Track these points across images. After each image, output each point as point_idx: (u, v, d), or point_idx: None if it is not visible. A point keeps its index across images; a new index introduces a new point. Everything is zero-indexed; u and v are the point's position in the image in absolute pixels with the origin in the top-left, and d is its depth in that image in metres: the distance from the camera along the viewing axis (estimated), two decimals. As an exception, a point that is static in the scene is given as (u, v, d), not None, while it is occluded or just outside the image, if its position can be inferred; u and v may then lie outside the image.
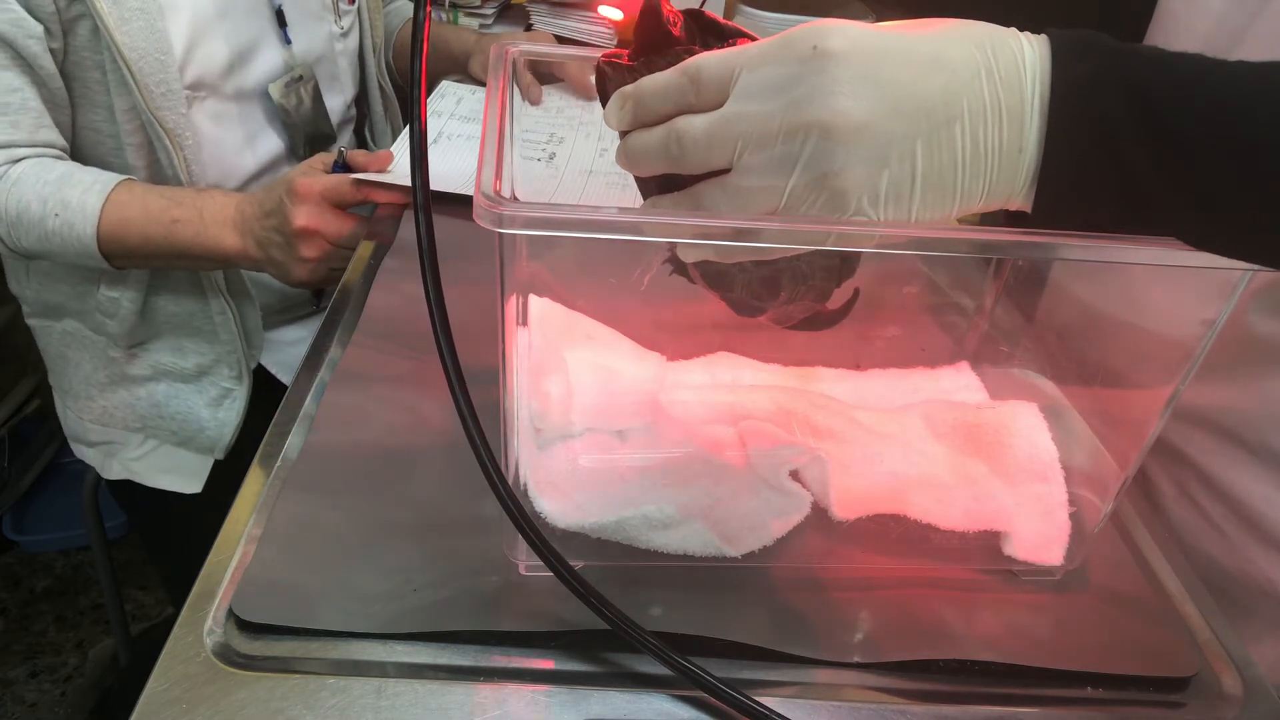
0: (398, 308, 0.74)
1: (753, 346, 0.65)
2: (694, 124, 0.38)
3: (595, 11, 1.28)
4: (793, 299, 0.47)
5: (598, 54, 0.46)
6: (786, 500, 0.56)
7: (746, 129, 0.37)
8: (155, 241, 0.85)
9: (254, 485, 0.57)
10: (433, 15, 1.35)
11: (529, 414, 0.55)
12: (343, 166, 0.94)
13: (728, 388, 0.63)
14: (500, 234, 0.38)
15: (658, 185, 0.42)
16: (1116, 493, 0.54)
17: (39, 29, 0.79)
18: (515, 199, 0.39)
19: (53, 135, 0.85)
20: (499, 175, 0.40)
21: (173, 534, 1.11)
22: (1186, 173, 0.35)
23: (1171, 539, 0.61)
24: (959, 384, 0.68)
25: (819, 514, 0.56)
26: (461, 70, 1.24)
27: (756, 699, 0.44)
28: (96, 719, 1.46)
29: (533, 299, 0.57)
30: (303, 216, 0.86)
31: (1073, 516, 0.57)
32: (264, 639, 0.48)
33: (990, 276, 0.71)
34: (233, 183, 0.98)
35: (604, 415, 0.58)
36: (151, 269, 0.93)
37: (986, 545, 0.56)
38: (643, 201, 0.44)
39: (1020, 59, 0.36)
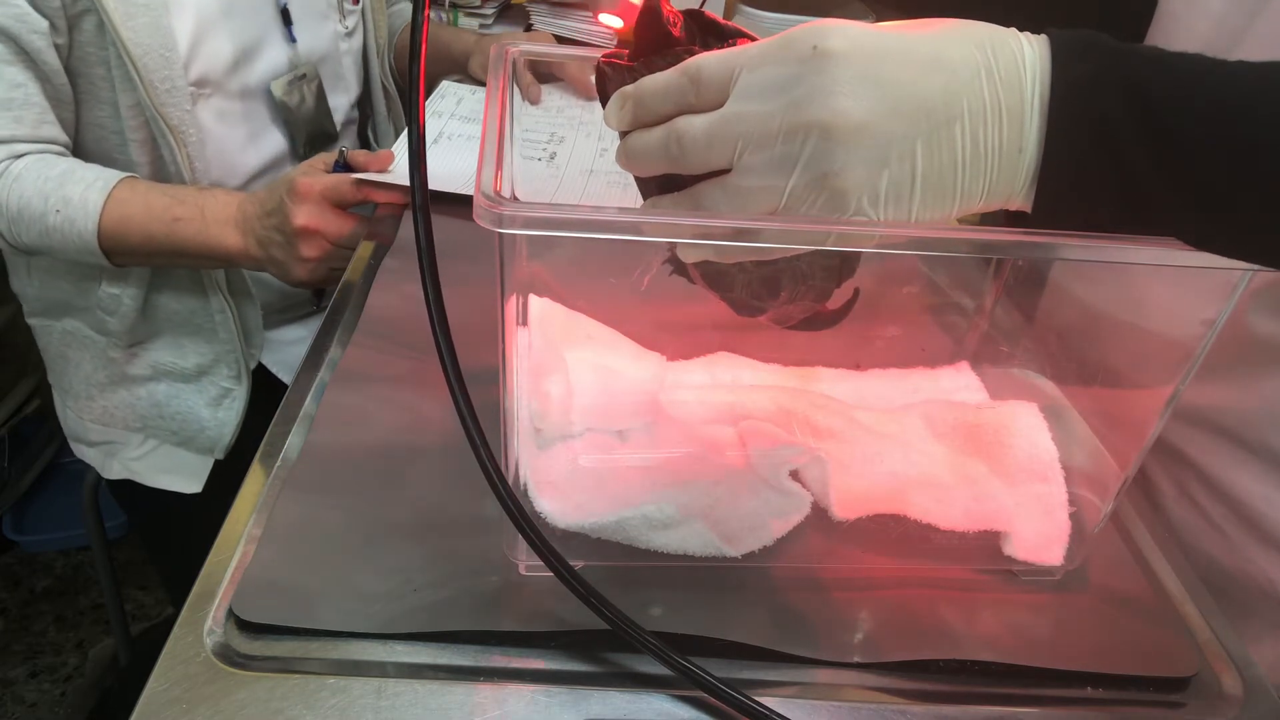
0: (398, 308, 0.74)
1: (753, 346, 0.65)
2: (694, 124, 0.38)
3: (595, 14, 1.28)
4: (793, 299, 0.47)
5: (598, 54, 0.46)
6: (786, 500, 0.56)
7: (746, 129, 0.37)
8: (156, 239, 0.85)
9: (254, 485, 0.57)
10: (433, 16, 1.36)
11: (529, 414, 0.55)
12: (344, 166, 0.94)
13: (728, 388, 0.63)
14: (500, 234, 0.38)
15: (658, 185, 0.42)
16: (1116, 493, 0.54)
17: (44, 24, 0.79)
18: (515, 199, 0.39)
19: (55, 131, 0.85)
20: (499, 175, 0.40)
21: (173, 534, 1.11)
22: (1186, 173, 0.35)
23: (1171, 539, 0.61)
24: (959, 384, 0.68)
25: (819, 514, 0.56)
26: (461, 71, 1.24)
27: (756, 699, 0.44)
28: (96, 719, 1.46)
29: (533, 299, 0.57)
30: (303, 216, 0.86)
31: (1073, 516, 0.57)
32: (264, 639, 0.48)
33: (990, 276, 0.71)
34: (235, 180, 0.98)
35: (604, 415, 0.58)
36: (152, 267, 0.93)
37: (986, 545, 0.56)
38: (643, 202, 0.44)
39: (1020, 59, 0.36)
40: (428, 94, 1.16)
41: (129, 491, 1.06)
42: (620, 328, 0.63)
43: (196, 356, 0.99)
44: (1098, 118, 0.35)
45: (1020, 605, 0.54)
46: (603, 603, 0.45)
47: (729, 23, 0.43)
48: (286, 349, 1.09)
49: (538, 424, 0.56)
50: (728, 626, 0.50)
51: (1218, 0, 0.58)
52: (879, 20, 0.42)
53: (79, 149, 0.90)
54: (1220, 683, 0.51)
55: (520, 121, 1.08)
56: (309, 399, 0.64)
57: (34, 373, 1.74)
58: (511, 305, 0.44)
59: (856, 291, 0.48)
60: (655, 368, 0.63)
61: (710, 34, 0.43)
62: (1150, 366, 0.53)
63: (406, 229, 0.87)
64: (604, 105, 0.43)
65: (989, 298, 0.71)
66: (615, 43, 1.28)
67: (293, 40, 0.99)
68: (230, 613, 0.48)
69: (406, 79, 1.24)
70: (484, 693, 0.46)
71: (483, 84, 1.20)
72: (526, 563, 0.52)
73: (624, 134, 0.42)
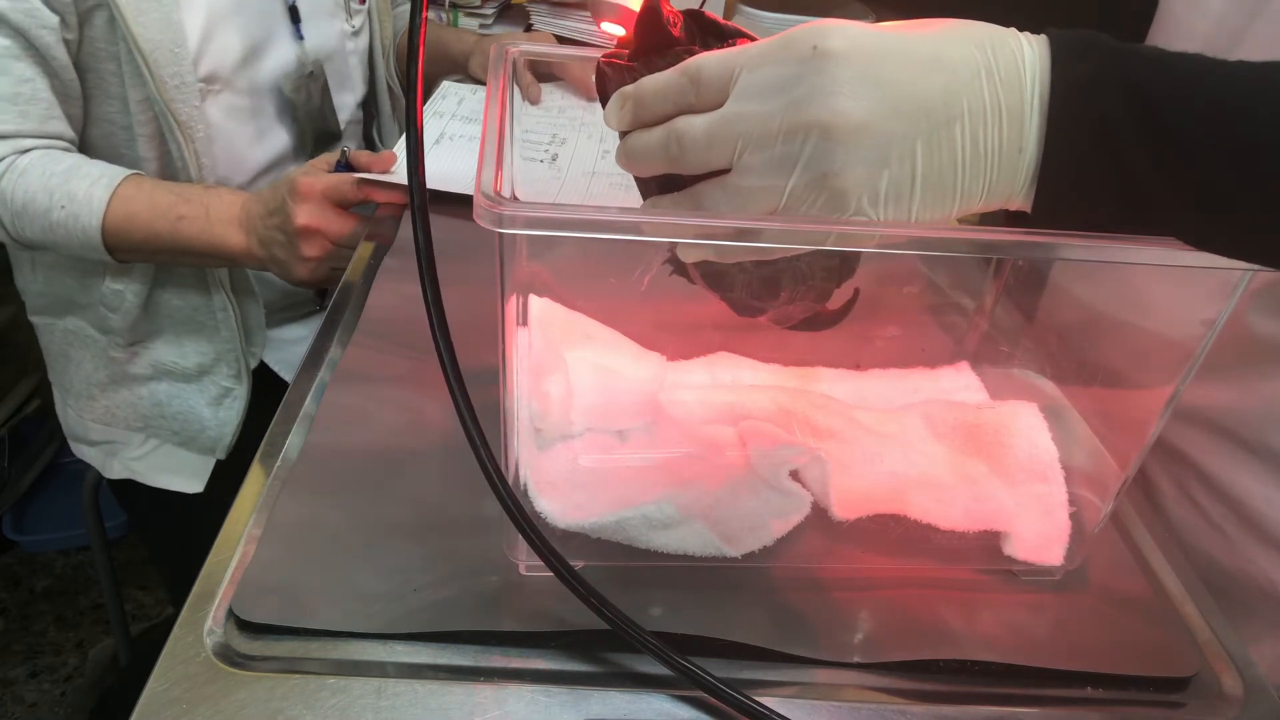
0: (398, 308, 0.74)
1: (753, 346, 0.65)
2: (694, 124, 0.38)
3: (598, 22, 1.28)
4: (793, 299, 0.47)
5: (598, 54, 0.46)
6: (786, 500, 0.56)
7: (746, 129, 0.37)
8: (160, 237, 0.86)
9: (254, 485, 0.57)
10: (432, 16, 1.36)
11: (529, 414, 0.55)
12: (346, 166, 0.94)
13: (728, 388, 0.63)
14: (500, 234, 0.38)
15: (658, 185, 0.42)
16: (1116, 493, 0.54)
17: (54, 19, 0.79)
18: (515, 199, 0.39)
19: (61, 127, 0.85)
20: (499, 175, 0.40)
21: (173, 534, 1.11)
22: (1186, 173, 0.35)
23: (1171, 539, 0.61)
24: (959, 384, 0.68)
25: (819, 514, 0.56)
26: (462, 71, 1.24)
27: (756, 699, 0.44)
28: (96, 719, 1.46)
29: (533, 299, 0.57)
30: (304, 215, 0.86)
31: (1073, 516, 0.57)
32: (264, 639, 0.48)
33: (990, 276, 0.71)
34: (241, 177, 0.99)
35: (604, 415, 0.58)
36: (155, 264, 0.93)
37: (986, 545, 0.56)
38: (643, 202, 0.44)
39: (1020, 59, 0.36)
40: (428, 94, 1.16)
41: (129, 491, 1.06)
42: (620, 328, 0.63)
43: (197, 356, 0.99)
44: (1098, 118, 0.35)
45: (1020, 605, 0.54)
46: (603, 603, 0.45)
47: (729, 23, 0.43)
48: (289, 348, 1.09)
49: (538, 424, 0.56)
50: (728, 626, 0.50)
51: (1218, 0, 0.58)
52: (879, 20, 0.42)
53: (86, 144, 0.90)
54: (1220, 683, 0.51)
55: (521, 122, 1.08)
56: (309, 399, 0.64)
57: (34, 372, 1.74)
58: (511, 305, 0.44)
59: (856, 292, 0.48)
60: (655, 368, 0.63)
61: (710, 34, 0.43)
62: (1150, 366, 0.53)
63: (406, 229, 0.87)
64: (604, 105, 0.43)
65: (989, 298, 0.71)
66: (615, 43, 1.28)
67: (300, 38, 1.00)
68: (230, 613, 0.48)
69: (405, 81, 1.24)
70: (484, 693, 0.46)
71: (483, 84, 1.21)
72: (526, 563, 0.52)
73: (624, 134, 0.42)
